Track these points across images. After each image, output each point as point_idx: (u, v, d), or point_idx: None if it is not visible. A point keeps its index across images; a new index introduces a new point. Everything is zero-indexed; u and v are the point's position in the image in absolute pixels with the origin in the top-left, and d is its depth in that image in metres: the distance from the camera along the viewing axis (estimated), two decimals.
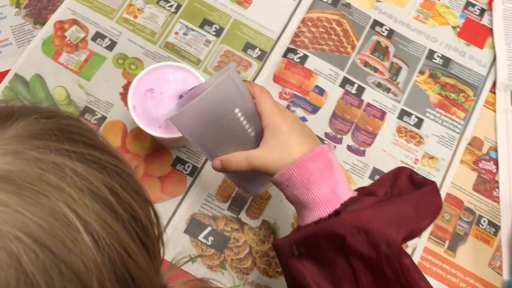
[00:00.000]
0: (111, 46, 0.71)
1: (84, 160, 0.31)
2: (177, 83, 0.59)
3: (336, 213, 0.46)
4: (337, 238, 0.45)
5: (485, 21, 0.78)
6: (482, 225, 0.69)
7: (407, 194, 0.48)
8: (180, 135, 0.58)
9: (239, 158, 0.51)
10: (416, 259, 0.67)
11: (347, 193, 0.48)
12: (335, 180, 0.48)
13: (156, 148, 0.68)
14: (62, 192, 0.28)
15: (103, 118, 0.69)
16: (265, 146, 0.50)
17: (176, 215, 0.66)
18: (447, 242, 0.68)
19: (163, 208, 0.66)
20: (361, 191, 0.50)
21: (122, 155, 0.36)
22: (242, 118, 0.51)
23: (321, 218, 0.47)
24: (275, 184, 0.51)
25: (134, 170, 0.37)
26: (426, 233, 0.68)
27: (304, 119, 0.71)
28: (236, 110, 0.51)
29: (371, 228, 0.44)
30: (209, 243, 0.66)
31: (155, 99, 0.58)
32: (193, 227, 0.66)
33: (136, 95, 0.58)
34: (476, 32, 0.78)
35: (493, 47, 0.77)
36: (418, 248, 0.68)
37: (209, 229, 0.66)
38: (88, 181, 0.30)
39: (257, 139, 0.52)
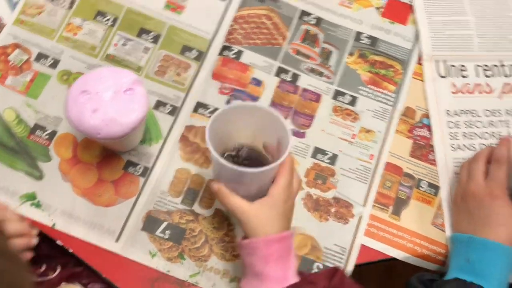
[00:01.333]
0: (54, 64, 0.75)
1: None
2: (113, 79, 0.61)
3: None
4: None
5: None
6: (422, 188, 0.74)
7: None
8: (120, 136, 0.61)
9: (231, 202, 0.60)
10: (363, 226, 0.71)
11: (293, 278, 0.59)
12: (289, 265, 0.59)
13: (107, 154, 0.72)
14: None
15: (54, 132, 0.72)
16: (258, 208, 0.59)
17: (132, 215, 0.70)
18: (390, 208, 0.73)
19: (119, 210, 0.70)
20: (303, 277, 0.60)
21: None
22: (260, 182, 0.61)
23: None
24: (239, 246, 0.60)
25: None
26: (370, 202, 0.72)
27: None
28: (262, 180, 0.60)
29: None
30: (167, 236, 0.69)
31: (92, 101, 0.60)
32: (150, 224, 0.69)
33: (72, 103, 0.61)
34: (398, 10, 0.83)
35: (415, 22, 0.82)
36: (364, 216, 0.72)
37: (165, 224, 0.70)
38: None
39: (259, 190, 0.61)
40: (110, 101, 0.60)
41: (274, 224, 0.60)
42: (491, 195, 0.66)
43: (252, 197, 0.61)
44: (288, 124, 0.58)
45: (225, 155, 0.65)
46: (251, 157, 0.66)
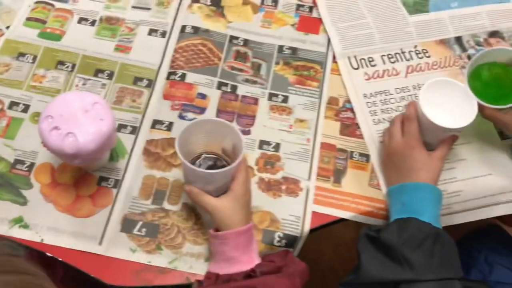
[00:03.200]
0: (25, 109, 0.87)
1: None
2: (80, 101, 0.71)
3: (252, 270, 0.70)
4: None
5: (314, 14, 1.01)
6: (355, 157, 0.87)
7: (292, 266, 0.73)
8: (95, 151, 0.71)
9: (201, 199, 0.74)
10: (311, 196, 0.83)
11: (257, 259, 0.72)
12: (253, 249, 0.73)
13: (81, 174, 0.82)
14: None
15: (32, 164, 0.82)
16: (224, 202, 0.73)
17: (111, 220, 0.79)
18: (331, 178, 0.85)
19: (98, 218, 0.79)
20: (263, 258, 0.74)
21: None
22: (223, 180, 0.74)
23: (243, 272, 0.70)
24: (212, 237, 0.73)
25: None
26: (314, 176, 0.85)
27: (195, 118, 0.87)
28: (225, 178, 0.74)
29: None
30: (143, 233, 0.79)
31: (55, 123, 0.69)
32: (127, 225, 0.79)
33: (43, 133, 0.70)
34: (310, 24, 0.99)
35: (325, 30, 0.98)
36: (311, 188, 0.84)
37: (140, 223, 0.79)
38: None
39: (222, 187, 0.75)
40: (79, 121, 0.70)
41: (238, 213, 0.73)
42: (409, 146, 0.79)
43: (217, 193, 0.75)
44: (239, 131, 0.73)
45: (190, 162, 0.78)
46: (210, 162, 0.80)
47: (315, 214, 0.82)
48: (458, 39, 0.98)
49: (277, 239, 0.80)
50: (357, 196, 0.84)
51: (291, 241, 0.80)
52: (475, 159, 0.87)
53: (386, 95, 0.92)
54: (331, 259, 1.50)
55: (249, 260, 0.72)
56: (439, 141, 0.81)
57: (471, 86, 0.80)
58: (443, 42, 0.98)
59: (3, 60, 0.91)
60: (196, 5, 0.99)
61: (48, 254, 0.76)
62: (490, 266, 0.97)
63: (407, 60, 0.96)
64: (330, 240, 1.52)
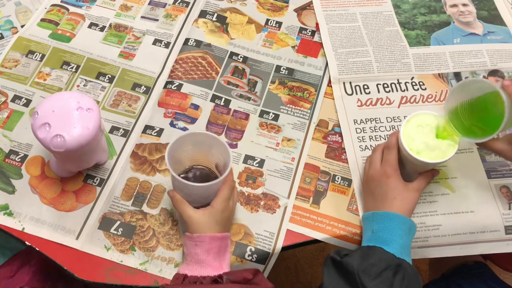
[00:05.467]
0: (27, 103, 0.91)
1: None
2: (75, 100, 0.73)
3: (219, 276, 0.72)
4: None
5: (316, 38, 1.03)
6: (337, 181, 0.88)
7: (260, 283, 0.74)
8: (73, 149, 0.74)
9: (181, 207, 0.76)
10: (288, 214, 0.84)
11: (227, 268, 0.74)
12: (224, 258, 0.75)
13: None
14: None
15: (25, 156, 0.86)
16: (201, 215, 0.74)
17: (90, 217, 0.82)
18: (311, 198, 0.86)
19: (79, 213, 0.82)
20: (234, 269, 0.76)
21: None
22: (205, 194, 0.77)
23: (211, 277, 0.71)
24: (187, 238, 0.74)
25: None
26: (293, 195, 0.86)
27: (185, 128, 0.90)
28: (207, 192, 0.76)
29: None
30: (119, 233, 0.81)
31: (45, 119, 0.72)
32: (105, 223, 0.82)
33: (32, 126, 0.74)
34: (310, 47, 1.01)
35: (324, 55, 1.00)
36: (289, 206, 0.85)
37: (118, 222, 0.82)
38: None
39: (205, 200, 0.77)
40: (70, 119, 0.73)
41: (211, 228, 0.75)
42: (386, 174, 0.79)
43: (200, 204, 0.77)
44: (230, 150, 0.73)
45: (180, 174, 0.81)
46: (201, 175, 0.81)
47: (289, 232, 0.83)
48: (457, 75, 0.99)
49: (249, 253, 0.81)
50: (334, 219, 0.84)
51: (262, 256, 0.81)
52: (458, 195, 0.87)
53: (377, 122, 0.93)
54: None
55: (219, 267, 0.73)
56: (419, 174, 0.81)
57: (470, 112, 0.77)
58: (441, 76, 0.98)
59: (13, 56, 0.96)
60: (202, 19, 1.03)
61: (26, 243, 0.79)
62: None
63: (402, 90, 0.96)
64: None
